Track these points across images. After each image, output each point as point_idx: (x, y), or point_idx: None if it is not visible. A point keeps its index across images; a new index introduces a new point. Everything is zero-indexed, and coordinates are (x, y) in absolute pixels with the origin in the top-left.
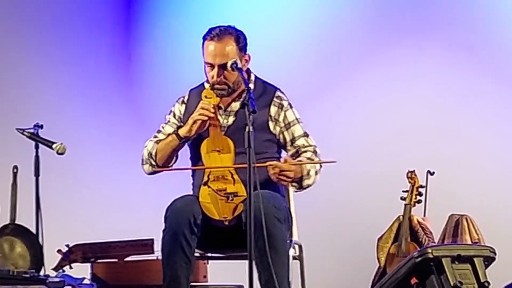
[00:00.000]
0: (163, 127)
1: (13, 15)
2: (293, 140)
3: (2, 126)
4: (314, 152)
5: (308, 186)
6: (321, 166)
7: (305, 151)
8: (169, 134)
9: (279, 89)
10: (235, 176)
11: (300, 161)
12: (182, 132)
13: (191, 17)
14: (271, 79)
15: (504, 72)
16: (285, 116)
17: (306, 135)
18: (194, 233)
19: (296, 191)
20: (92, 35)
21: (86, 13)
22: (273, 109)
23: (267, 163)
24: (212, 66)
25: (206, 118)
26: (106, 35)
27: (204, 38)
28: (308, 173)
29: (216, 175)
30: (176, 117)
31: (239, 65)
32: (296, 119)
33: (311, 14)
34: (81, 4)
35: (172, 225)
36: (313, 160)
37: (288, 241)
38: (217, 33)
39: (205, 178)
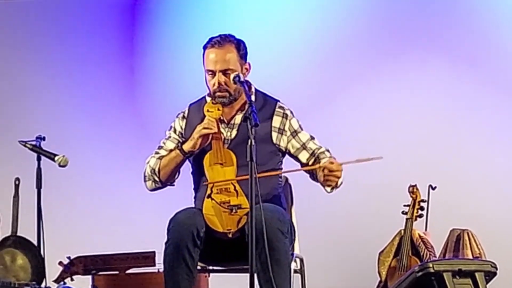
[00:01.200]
0: (164, 143)
1: (15, 28)
2: (304, 145)
3: (4, 138)
4: (328, 151)
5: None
6: None
7: (322, 152)
8: (171, 150)
9: (279, 101)
10: (238, 189)
11: (347, 162)
12: (187, 147)
13: (193, 28)
14: (273, 88)
15: (507, 85)
16: (290, 124)
17: (312, 138)
18: (197, 245)
19: (330, 192)
20: (94, 47)
21: (88, 25)
22: (276, 120)
23: (317, 165)
24: (213, 73)
25: (211, 131)
26: (108, 46)
27: (205, 47)
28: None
29: (220, 188)
30: (177, 133)
31: (241, 79)
32: (300, 125)
33: (315, 25)
34: (83, 16)
35: (175, 238)
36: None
37: (291, 252)
38: (218, 41)
39: (209, 191)
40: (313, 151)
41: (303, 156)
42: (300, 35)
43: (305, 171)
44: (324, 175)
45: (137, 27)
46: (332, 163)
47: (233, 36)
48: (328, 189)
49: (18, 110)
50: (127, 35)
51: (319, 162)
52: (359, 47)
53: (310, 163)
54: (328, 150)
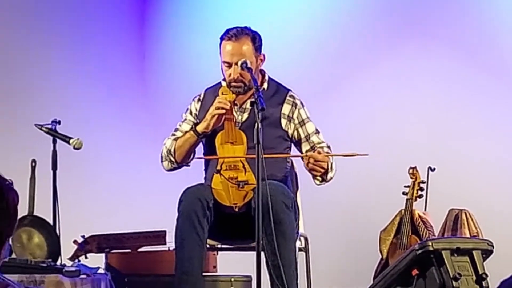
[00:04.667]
0: (180, 125)
1: (34, 15)
2: (307, 136)
3: (21, 122)
4: (328, 147)
5: (331, 178)
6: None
7: (321, 147)
8: (186, 131)
9: (291, 90)
10: (246, 166)
11: (333, 154)
12: (200, 128)
13: (203, 16)
14: (277, 76)
15: (503, 71)
16: (298, 113)
17: (318, 132)
18: (206, 216)
19: (319, 184)
20: (107, 35)
21: (102, 14)
22: (286, 107)
23: (303, 154)
24: (229, 64)
25: (223, 111)
26: (121, 34)
27: (222, 38)
28: (331, 167)
29: (229, 165)
30: (193, 115)
31: (249, 65)
32: (308, 117)
33: (321, 16)
34: (98, 5)
35: (186, 208)
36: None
37: (296, 228)
38: (234, 34)
39: (218, 167)
40: (314, 145)
41: (304, 147)
42: (308, 28)
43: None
44: (308, 163)
45: (149, 15)
46: (319, 153)
47: (249, 29)
48: (317, 181)
49: (34, 95)
50: (139, 23)
51: None
52: (359, 36)
53: None
54: (329, 147)
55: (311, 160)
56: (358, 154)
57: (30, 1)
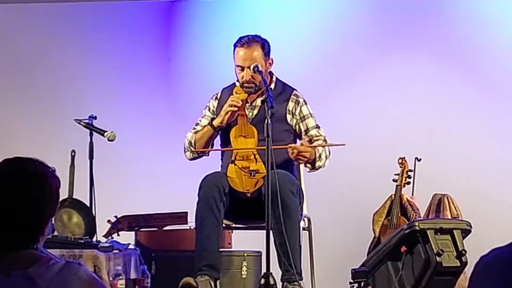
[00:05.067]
0: (200, 120)
1: (74, 26)
2: (307, 130)
3: (62, 117)
4: (324, 140)
5: (320, 167)
6: (329, 153)
7: (317, 139)
8: (205, 126)
9: (296, 89)
10: (257, 157)
11: (313, 145)
12: (216, 122)
13: (220, 26)
14: (282, 76)
15: (480, 74)
16: (300, 110)
17: (317, 127)
18: (222, 200)
19: (309, 171)
20: (137, 42)
21: (133, 24)
22: (290, 104)
23: (288, 146)
24: (242, 68)
25: (235, 109)
26: (149, 41)
27: (235, 45)
28: (319, 156)
29: (242, 155)
30: (210, 111)
31: (260, 68)
32: (310, 113)
33: (319, 16)
34: (130, 17)
35: (205, 193)
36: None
37: (300, 211)
38: (246, 41)
39: (233, 157)
40: (311, 137)
41: (304, 139)
42: (311, 31)
43: None
44: (292, 153)
45: (173, 24)
46: (302, 145)
47: (259, 37)
48: (307, 169)
49: (74, 94)
50: (165, 31)
51: None
52: (355, 43)
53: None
54: (325, 140)
55: (295, 151)
56: (334, 145)
57: (71, 13)
